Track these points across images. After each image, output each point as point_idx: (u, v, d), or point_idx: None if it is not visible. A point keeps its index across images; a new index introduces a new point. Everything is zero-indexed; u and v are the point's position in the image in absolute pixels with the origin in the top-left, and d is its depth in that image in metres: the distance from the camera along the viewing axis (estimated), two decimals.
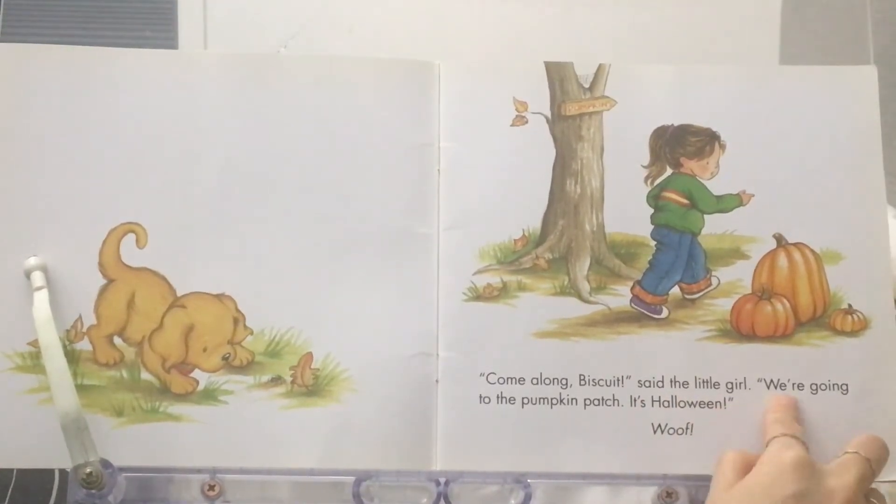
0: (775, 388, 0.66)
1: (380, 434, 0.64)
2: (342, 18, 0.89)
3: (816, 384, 0.66)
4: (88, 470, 0.60)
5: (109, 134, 0.67)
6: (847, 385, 0.66)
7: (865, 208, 0.68)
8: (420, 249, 0.67)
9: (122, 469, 0.62)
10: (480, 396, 0.65)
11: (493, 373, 0.65)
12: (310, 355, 0.65)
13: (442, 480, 0.63)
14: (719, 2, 0.94)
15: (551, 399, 0.65)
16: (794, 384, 0.66)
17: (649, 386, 0.65)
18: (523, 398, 0.65)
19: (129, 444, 0.63)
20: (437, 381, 0.65)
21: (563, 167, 0.68)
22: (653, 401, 0.65)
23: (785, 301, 0.67)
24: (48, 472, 0.72)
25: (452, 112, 0.68)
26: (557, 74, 0.69)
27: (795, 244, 0.67)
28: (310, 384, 0.65)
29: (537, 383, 0.65)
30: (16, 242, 0.65)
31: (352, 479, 0.63)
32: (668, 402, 0.65)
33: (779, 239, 0.67)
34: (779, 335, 0.66)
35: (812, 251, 0.67)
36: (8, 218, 0.65)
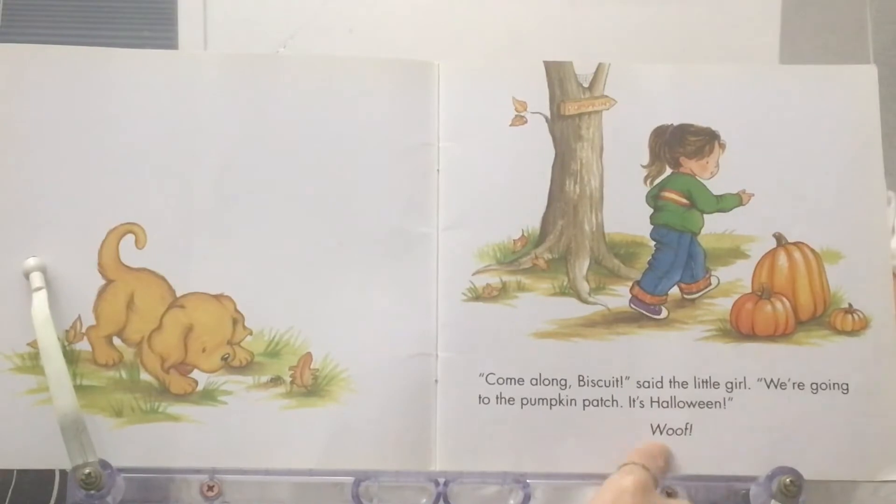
0: (775, 387, 0.65)
1: (379, 434, 0.64)
2: (342, 18, 0.89)
3: (816, 384, 0.66)
4: (87, 471, 0.60)
5: (109, 134, 0.66)
6: (847, 385, 0.66)
7: (865, 207, 0.67)
8: (419, 249, 0.66)
9: (121, 470, 0.62)
10: (480, 397, 0.65)
11: (492, 373, 0.65)
12: (309, 355, 0.65)
13: (441, 481, 0.63)
14: (719, 2, 0.94)
15: (550, 399, 0.65)
16: (794, 384, 0.66)
17: (648, 386, 0.65)
18: (522, 398, 0.65)
19: (129, 445, 0.63)
20: (436, 381, 0.65)
21: (563, 167, 0.68)
22: (652, 401, 0.65)
23: (785, 300, 0.67)
24: (48, 473, 0.73)
25: (452, 112, 0.68)
26: (557, 74, 0.69)
27: (795, 243, 0.67)
28: (309, 384, 0.65)
29: (536, 384, 0.65)
30: (15, 243, 0.65)
31: (351, 479, 0.63)
32: (668, 402, 0.65)
33: (779, 238, 0.67)
34: (779, 334, 0.66)
35: (812, 250, 0.67)
36: (7, 219, 0.65)
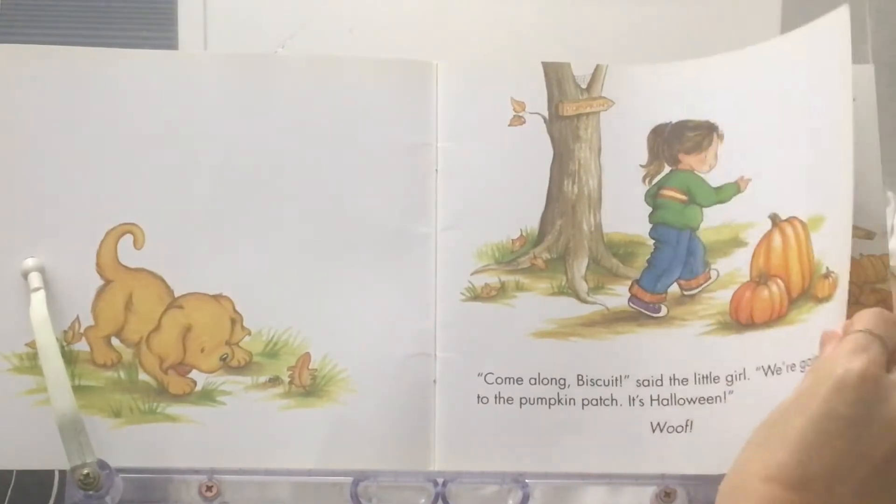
0: (772, 373, 0.63)
1: (378, 434, 0.64)
2: (342, 18, 0.89)
3: (805, 361, 0.62)
4: (85, 471, 0.60)
5: (108, 135, 0.66)
6: None
7: (842, 169, 0.62)
8: (418, 249, 0.66)
9: (119, 470, 0.62)
10: (478, 396, 0.65)
11: (490, 373, 0.65)
12: (308, 355, 0.65)
13: (440, 481, 0.63)
14: (719, 2, 0.94)
15: (549, 399, 0.65)
16: (787, 366, 0.63)
17: (648, 385, 0.65)
18: (521, 398, 0.65)
19: (127, 445, 0.63)
20: (434, 381, 0.65)
21: (561, 167, 0.67)
22: (651, 399, 0.65)
23: (779, 281, 0.64)
24: (48, 474, 0.72)
25: (450, 112, 0.68)
26: (555, 75, 0.68)
27: (788, 219, 0.64)
28: (308, 384, 0.65)
29: (535, 383, 0.65)
30: (13, 243, 0.65)
31: (350, 479, 0.63)
32: (668, 400, 0.65)
33: (773, 218, 0.65)
34: (774, 318, 0.64)
35: (801, 222, 0.64)
36: (5, 219, 0.65)
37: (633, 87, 0.68)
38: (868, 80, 0.67)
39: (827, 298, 0.61)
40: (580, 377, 0.65)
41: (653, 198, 0.67)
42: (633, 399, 0.65)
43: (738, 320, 0.65)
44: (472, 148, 0.68)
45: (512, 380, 0.65)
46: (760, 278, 0.65)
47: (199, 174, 0.67)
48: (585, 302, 0.66)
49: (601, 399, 0.65)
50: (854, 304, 0.63)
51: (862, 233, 0.65)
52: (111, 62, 0.67)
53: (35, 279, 0.63)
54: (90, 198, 0.66)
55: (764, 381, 0.63)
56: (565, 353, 0.65)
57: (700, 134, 0.67)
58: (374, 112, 0.68)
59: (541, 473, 0.64)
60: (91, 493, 0.60)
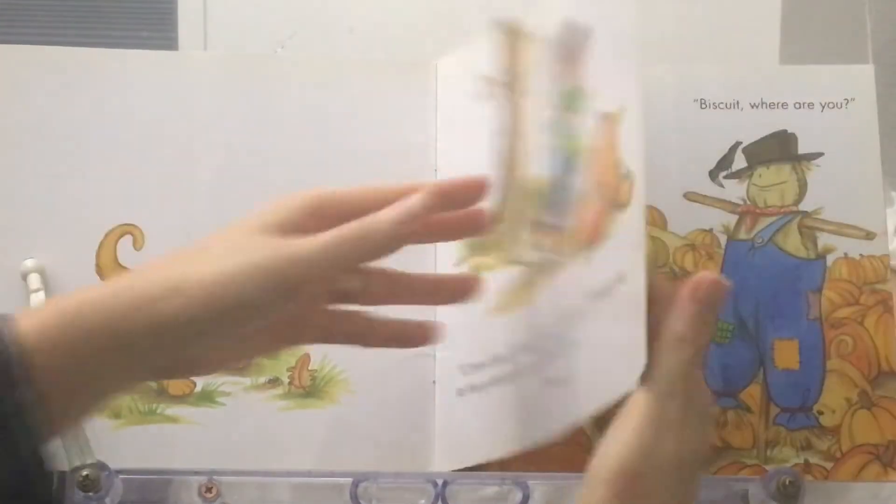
0: (600, 299, 0.54)
1: (377, 435, 0.64)
2: (342, 18, 0.89)
3: (609, 283, 0.53)
4: (85, 472, 0.60)
5: (107, 135, 0.67)
6: None
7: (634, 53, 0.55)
8: (416, 250, 0.66)
9: (119, 471, 0.62)
10: (457, 390, 0.63)
11: (465, 363, 0.63)
12: (307, 356, 0.65)
13: (440, 481, 0.63)
14: (719, 2, 0.94)
15: (515, 374, 0.60)
16: (604, 292, 0.53)
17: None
18: (491, 379, 0.61)
19: (127, 446, 0.63)
20: (434, 381, 0.65)
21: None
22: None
23: (603, 190, 0.55)
24: None
25: (449, 111, 0.68)
26: None
27: (606, 115, 0.55)
28: (307, 385, 0.65)
29: (498, 362, 0.61)
30: (12, 244, 0.65)
31: (349, 480, 0.63)
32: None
33: (603, 118, 0.55)
34: (601, 234, 0.55)
35: (612, 116, 0.55)
36: (4, 220, 0.65)
37: None
38: (868, 80, 0.68)
39: (625, 204, 0.53)
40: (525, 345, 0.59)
41: None
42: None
43: (591, 242, 0.55)
44: (470, 147, 0.67)
45: (474, 366, 0.62)
46: (597, 190, 0.56)
47: (199, 175, 0.67)
48: (528, 266, 0.61)
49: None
50: (854, 305, 0.64)
51: (862, 233, 0.66)
52: (111, 62, 0.68)
53: (34, 280, 0.63)
54: (90, 198, 0.66)
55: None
56: (515, 324, 0.60)
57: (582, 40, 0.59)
58: (374, 112, 0.68)
59: (541, 474, 0.64)
60: (91, 494, 0.60)
